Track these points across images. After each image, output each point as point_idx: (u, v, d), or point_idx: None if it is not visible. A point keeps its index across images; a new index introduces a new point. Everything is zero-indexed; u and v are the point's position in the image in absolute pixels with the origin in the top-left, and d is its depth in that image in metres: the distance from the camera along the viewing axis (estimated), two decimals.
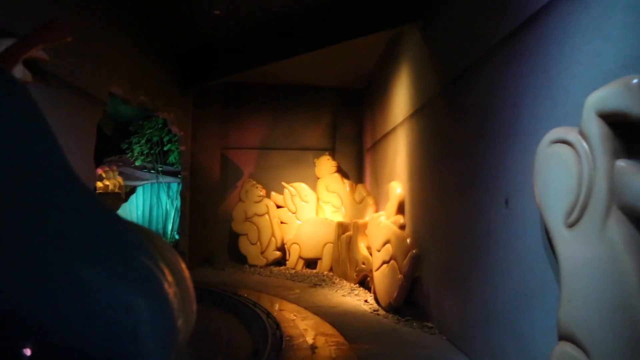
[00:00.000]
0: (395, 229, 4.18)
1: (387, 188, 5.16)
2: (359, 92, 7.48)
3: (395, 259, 4.02)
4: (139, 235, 0.87)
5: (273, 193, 7.09)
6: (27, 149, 0.77)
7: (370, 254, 4.84)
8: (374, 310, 4.05)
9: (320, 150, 7.38)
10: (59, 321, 0.69)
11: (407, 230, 4.19)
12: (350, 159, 7.44)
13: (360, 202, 6.16)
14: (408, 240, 3.90)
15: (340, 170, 7.13)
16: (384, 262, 4.29)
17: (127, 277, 0.76)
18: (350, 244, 5.48)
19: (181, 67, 6.45)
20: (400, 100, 4.79)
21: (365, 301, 4.45)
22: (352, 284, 5.23)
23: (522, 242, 2.21)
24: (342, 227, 5.96)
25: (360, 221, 5.33)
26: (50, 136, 0.83)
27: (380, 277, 4.30)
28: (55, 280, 0.71)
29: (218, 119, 7.34)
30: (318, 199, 7.03)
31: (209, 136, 7.23)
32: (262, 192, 7.03)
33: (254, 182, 7.11)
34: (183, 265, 0.98)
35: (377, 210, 5.87)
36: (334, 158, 7.21)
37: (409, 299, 3.90)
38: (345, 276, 5.56)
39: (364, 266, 4.95)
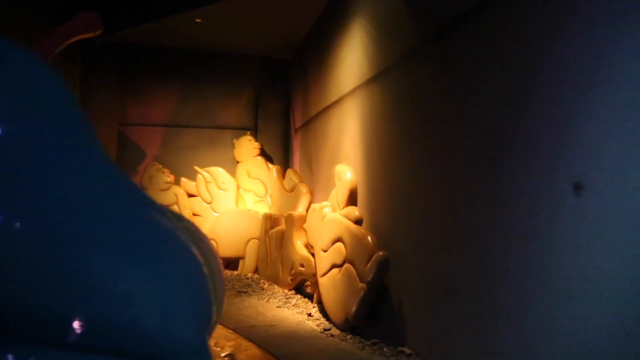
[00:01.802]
0: (349, 223, 3.29)
1: (330, 174, 4.26)
2: (286, 64, 6.49)
3: (352, 263, 3.13)
4: (172, 215, 0.79)
5: (183, 179, 5.90)
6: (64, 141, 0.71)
7: (312, 254, 3.92)
8: (325, 330, 3.14)
9: (240, 130, 6.30)
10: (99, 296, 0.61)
11: (365, 226, 3.32)
12: (275, 140, 6.44)
13: (292, 190, 5.20)
14: (369, 239, 3.02)
15: (264, 153, 6.12)
16: (334, 266, 3.39)
17: (165, 258, 0.69)
18: (282, 241, 4.51)
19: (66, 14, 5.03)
20: (350, 66, 3.89)
21: (309, 315, 3.53)
22: (286, 290, 4.28)
23: (601, 246, 1.42)
24: (270, 221, 4.97)
25: (296, 213, 4.38)
26: (88, 130, 0.76)
27: (329, 284, 3.40)
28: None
29: (114, 89, 5.96)
30: (238, 187, 5.97)
31: (101, 109, 5.79)
32: (170, 178, 5.82)
33: (160, 166, 5.86)
34: (211, 245, 0.87)
35: (312, 200, 4.95)
36: (256, 139, 6.18)
37: (373, 314, 3.04)
38: (276, 280, 4.59)
39: (302, 269, 4.01)
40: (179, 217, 0.85)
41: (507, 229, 1.89)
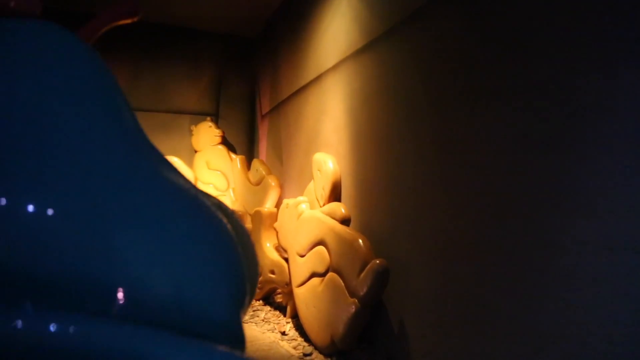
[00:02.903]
0: (334, 223, 2.71)
1: (305, 164, 3.66)
2: (253, 42, 5.82)
3: (338, 272, 2.54)
4: (208, 197, 0.79)
5: None
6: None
7: (285, 259, 3.31)
8: (305, 355, 2.54)
9: (199, 115, 5.60)
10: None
11: (355, 226, 2.74)
12: (239, 126, 5.77)
13: (258, 183, 4.56)
14: (361, 243, 2.44)
15: (225, 142, 5.45)
16: (314, 275, 2.80)
17: (205, 238, 0.68)
18: None
19: None
20: (334, 36, 3.29)
21: (283, 333, 2.92)
22: (254, 301, 3.65)
23: None
24: None
25: (265, 210, 3.75)
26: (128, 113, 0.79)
27: (308, 297, 2.80)
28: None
29: None
30: (196, 179, 5.27)
31: None
32: None
33: None
34: (242, 222, 0.86)
35: (282, 195, 4.34)
36: (217, 125, 5.50)
37: (366, 336, 2.47)
38: None
39: (273, 276, 3.39)
40: (208, 195, 0.81)
41: (558, 232, 1.35)
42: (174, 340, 0.55)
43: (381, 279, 2.29)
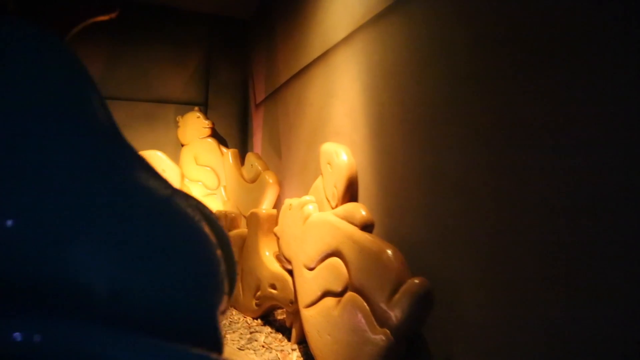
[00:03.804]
0: (352, 229, 2.15)
1: (308, 157, 3.11)
2: (244, 24, 5.24)
3: (361, 292, 1.99)
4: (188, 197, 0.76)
5: None
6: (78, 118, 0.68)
7: (288, 271, 2.75)
8: None
9: (185, 105, 5.03)
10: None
11: (379, 233, 2.19)
12: (230, 117, 5.20)
13: (253, 180, 3.98)
14: (392, 255, 1.89)
15: (215, 134, 4.88)
16: (327, 293, 2.25)
17: (181, 237, 0.66)
18: (243, 250, 3.29)
19: None
20: (346, 1, 2.73)
21: None
22: (250, 319, 3.09)
23: None
24: (225, 221, 3.74)
25: (263, 211, 3.17)
26: (101, 107, 0.71)
27: (320, 321, 2.25)
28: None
29: None
30: (183, 176, 4.69)
31: None
32: None
33: None
34: (222, 226, 0.81)
35: (281, 193, 3.78)
36: (206, 116, 4.93)
37: None
38: (234, 302, 3.38)
39: (273, 291, 2.83)
40: (187, 196, 0.77)
41: None
42: (144, 343, 0.52)
43: (422, 304, 1.74)
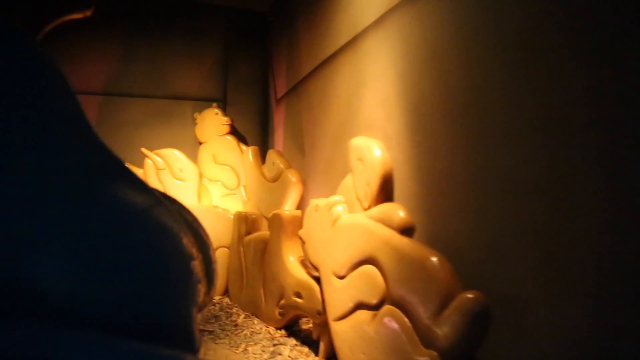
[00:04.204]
0: (390, 234, 1.89)
1: (335, 154, 2.86)
2: (262, 16, 5.02)
3: (401, 306, 1.73)
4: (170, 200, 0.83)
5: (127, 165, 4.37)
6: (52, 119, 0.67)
7: (315, 278, 2.51)
8: None
9: (203, 101, 4.82)
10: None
11: (419, 237, 1.93)
12: (250, 113, 4.98)
13: (275, 179, 3.75)
14: (438, 264, 1.63)
15: (235, 131, 4.67)
16: (360, 306, 2.00)
17: (158, 240, 0.68)
18: (265, 255, 3.07)
19: None
20: None
21: None
22: (273, 329, 2.86)
23: None
24: (245, 222, 3.52)
25: (286, 212, 2.94)
26: (76, 110, 0.72)
27: (354, 338, 2.00)
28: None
29: None
30: (201, 175, 4.49)
31: None
32: None
33: None
34: (204, 229, 0.89)
35: (305, 193, 3.54)
36: (225, 112, 4.71)
37: None
38: (256, 310, 3.15)
39: (299, 301, 2.59)
40: (170, 199, 0.82)
41: None
42: (98, 342, 0.51)
43: (478, 323, 1.48)
